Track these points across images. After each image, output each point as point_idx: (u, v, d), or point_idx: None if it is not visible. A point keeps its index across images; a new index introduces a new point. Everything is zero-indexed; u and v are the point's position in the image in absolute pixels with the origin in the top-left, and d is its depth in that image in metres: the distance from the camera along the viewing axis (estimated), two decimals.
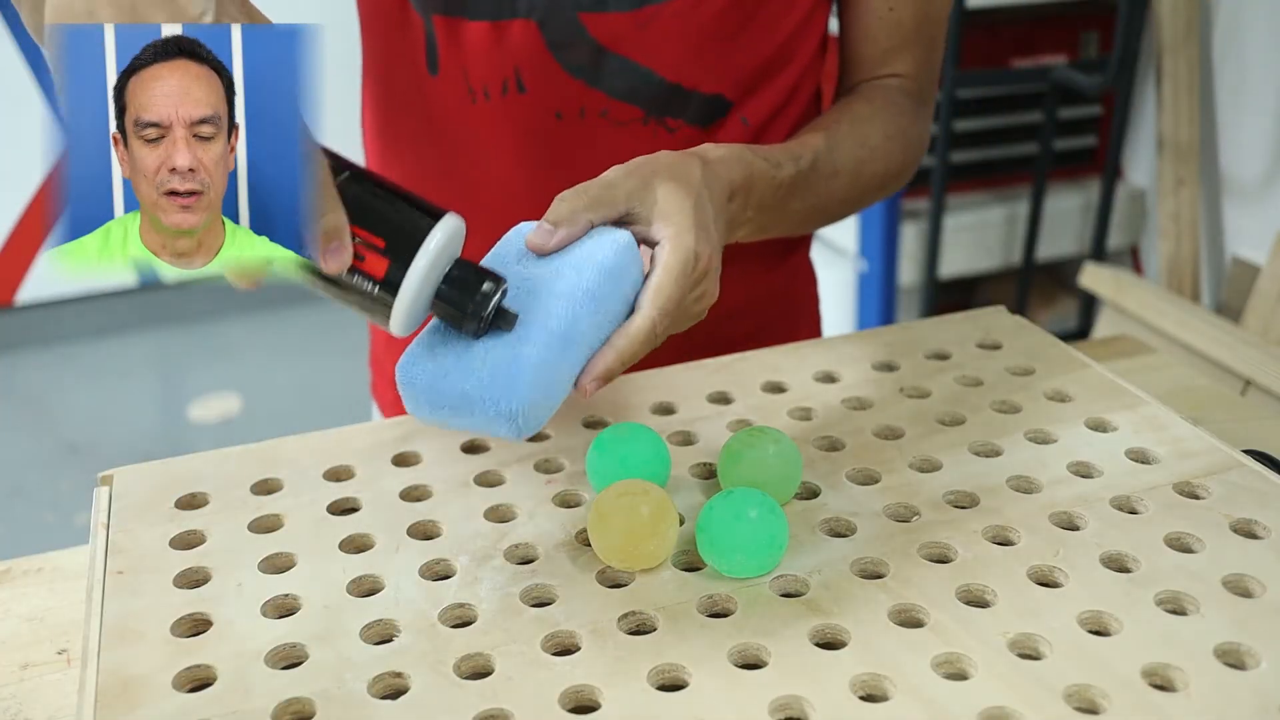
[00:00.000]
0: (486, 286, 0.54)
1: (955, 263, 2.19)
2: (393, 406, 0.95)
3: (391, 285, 0.52)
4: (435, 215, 0.53)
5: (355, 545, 0.61)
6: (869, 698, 0.50)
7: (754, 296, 0.90)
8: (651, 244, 0.61)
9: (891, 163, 0.80)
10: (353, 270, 0.52)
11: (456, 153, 0.82)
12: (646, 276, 0.60)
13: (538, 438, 0.70)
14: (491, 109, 0.79)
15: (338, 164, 0.51)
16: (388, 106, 0.85)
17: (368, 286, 0.52)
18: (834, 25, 0.86)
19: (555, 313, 0.55)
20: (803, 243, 0.94)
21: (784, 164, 0.72)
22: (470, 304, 0.54)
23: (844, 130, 0.78)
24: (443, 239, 0.53)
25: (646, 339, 0.59)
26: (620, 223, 0.61)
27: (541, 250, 0.58)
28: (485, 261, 0.60)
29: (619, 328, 0.59)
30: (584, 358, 0.57)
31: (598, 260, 0.57)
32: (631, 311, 0.60)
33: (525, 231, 0.61)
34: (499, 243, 0.61)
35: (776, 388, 0.76)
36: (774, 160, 0.71)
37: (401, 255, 0.52)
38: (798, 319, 0.96)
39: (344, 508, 0.64)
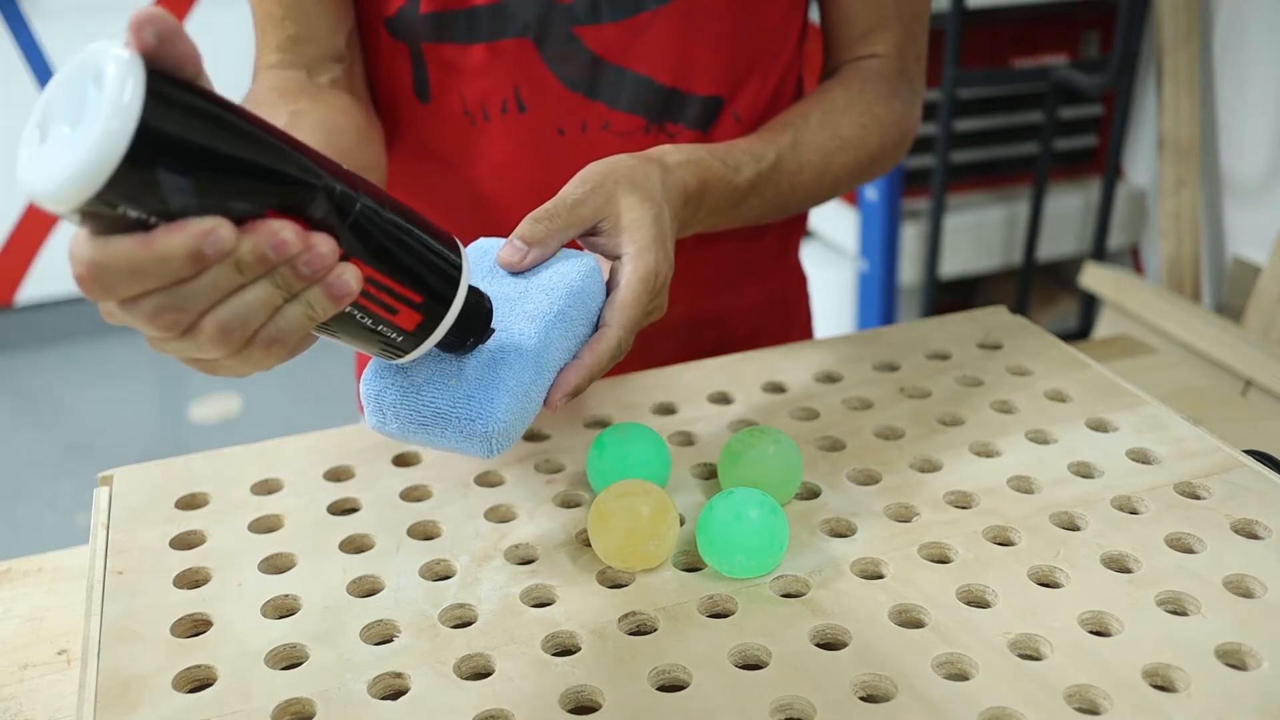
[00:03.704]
0: (486, 315, 0.54)
1: (955, 263, 2.19)
2: None
3: (416, 338, 0.51)
4: (455, 255, 0.52)
5: (355, 545, 0.61)
6: (869, 698, 0.50)
7: (747, 303, 0.91)
8: (613, 256, 0.61)
9: (865, 151, 0.79)
10: (380, 320, 0.49)
11: (457, 174, 0.82)
12: (609, 290, 0.61)
13: (538, 438, 0.70)
14: (491, 129, 0.79)
15: (376, 196, 0.48)
16: (383, 128, 0.84)
17: (391, 335, 0.50)
18: (814, 15, 0.86)
19: (529, 334, 0.56)
20: (792, 247, 0.94)
21: (744, 166, 0.72)
22: (472, 336, 0.54)
23: (814, 122, 0.77)
24: (465, 291, 0.52)
25: (613, 355, 0.59)
26: (586, 234, 0.62)
27: (514, 268, 0.59)
28: None
29: (586, 344, 0.59)
30: (552, 377, 0.57)
31: (568, 284, 0.58)
32: (595, 328, 0.60)
33: (486, 248, 0.61)
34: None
35: (776, 388, 0.76)
36: (733, 163, 0.71)
37: (433, 313, 0.51)
38: (790, 323, 0.96)
39: (344, 508, 0.64)
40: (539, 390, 0.56)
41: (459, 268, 0.51)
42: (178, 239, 0.40)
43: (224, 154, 0.41)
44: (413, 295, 0.49)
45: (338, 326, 0.48)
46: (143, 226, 0.40)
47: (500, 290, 0.58)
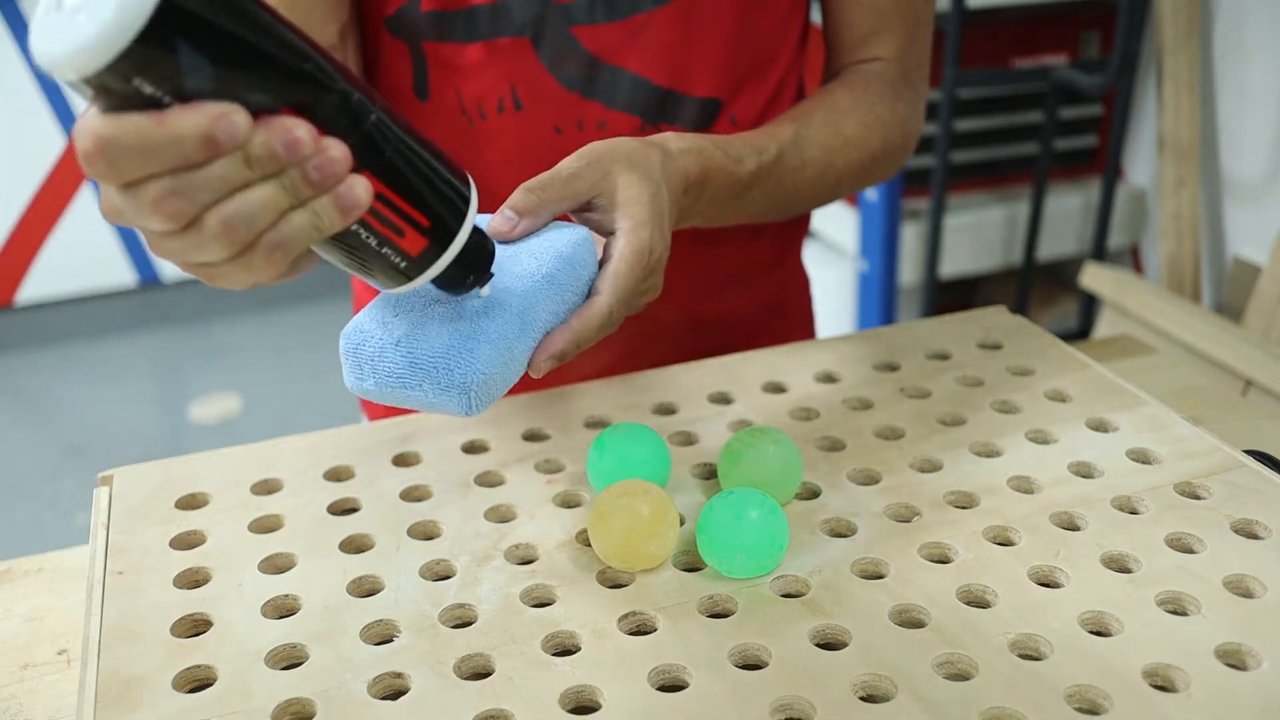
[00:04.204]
0: (489, 255, 0.54)
1: (955, 263, 2.19)
2: (381, 418, 0.94)
3: (420, 264, 0.50)
4: (465, 186, 0.52)
5: (355, 545, 0.61)
6: (869, 698, 0.50)
7: (748, 304, 0.90)
8: (607, 232, 0.61)
9: (867, 152, 0.79)
10: (385, 241, 0.49)
11: None
12: (601, 265, 0.61)
13: (538, 438, 0.70)
14: (488, 128, 0.79)
15: (391, 113, 0.48)
16: None
17: (395, 259, 0.49)
18: (816, 16, 0.86)
19: (515, 291, 0.55)
20: (795, 248, 0.94)
21: (746, 158, 0.72)
22: (473, 274, 0.54)
23: (818, 120, 0.77)
24: (471, 222, 0.52)
25: (603, 323, 0.59)
26: (580, 210, 0.62)
27: (504, 237, 0.59)
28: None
29: (576, 311, 0.59)
30: (537, 338, 0.57)
31: (557, 249, 0.58)
32: (586, 300, 0.60)
33: (479, 222, 0.61)
34: None
35: (776, 388, 0.76)
36: (735, 154, 0.71)
37: (440, 239, 0.50)
38: (792, 325, 0.96)
39: (344, 508, 0.64)
40: (523, 349, 0.56)
41: (468, 198, 0.51)
42: (192, 119, 0.40)
43: (245, 39, 0.41)
44: (421, 218, 0.49)
45: (343, 244, 0.48)
46: (155, 106, 0.40)
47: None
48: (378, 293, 0.56)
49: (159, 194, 0.41)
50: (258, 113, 0.42)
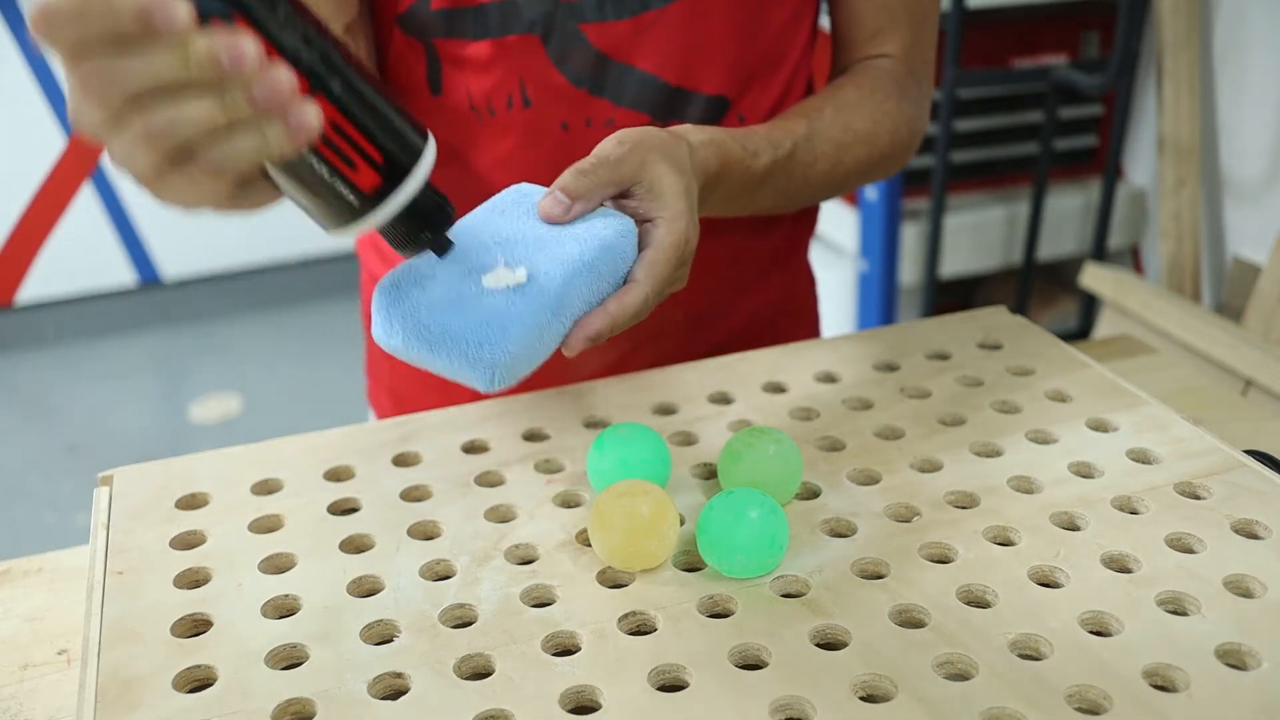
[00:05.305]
0: (447, 216, 0.53)
1: (955, 263, 2.19)
2: (388, 414, 0.94)
3: (370, 202, 0.49)
4: (422, 133, 0.51)
5: (355, 545, 0.61)
6: (869, 698, 0.50)
7: (755, 302, 0.91)
8: (643, 220, 0.62)
9: (876, 148, 0.80)
10: (336, 173, 0.48)
11: (464, 169, 0.82)
12: (639, 253, 0.61)
13: (538, 438, 0.70)
14: (496, 124, 0.79)
15: (347, 50, 0.47)
16: None
17: (345, 193, 0.48)
18: (824, 21, 0.86)
19: (555, 276, 0.56)
20: (801, 247, 0.94)
21: (762, 152, 0.72)
22: (428, 230, 0.53)
23: (828, 116, 0.78)
24: (428, 168, 0.51)
25: (639, 309, 0.60)
26: (616, 197, 0.62)
27: (556, 221, 0.59)
28: (486, 210, 0.60)
29: (613, 295, 0.59)
30: (568, 325, 0.57)
31: (603, 237, 0.58)
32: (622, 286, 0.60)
33: (527, 191, 0.61)
34: (501, 194, 0.61)
35: (776, 388, 0.76)
36: (752, 148, 0.72)
37: (393, 177, 0.49)
38: (797, 323, 0.96)
39: (344, 508, 0.64)
40: (553, 335, 0.56)
41: (426, 138, 0.50)
42: None
43: None
44: (373, 152, 0.48)
45: (293, 173, 0.47)
46: None
47: (533, 232, 0.58)
48: (383, 290, 0.56)
49: (89, 71, 0.41)
50: (210, 18, 0.41)
